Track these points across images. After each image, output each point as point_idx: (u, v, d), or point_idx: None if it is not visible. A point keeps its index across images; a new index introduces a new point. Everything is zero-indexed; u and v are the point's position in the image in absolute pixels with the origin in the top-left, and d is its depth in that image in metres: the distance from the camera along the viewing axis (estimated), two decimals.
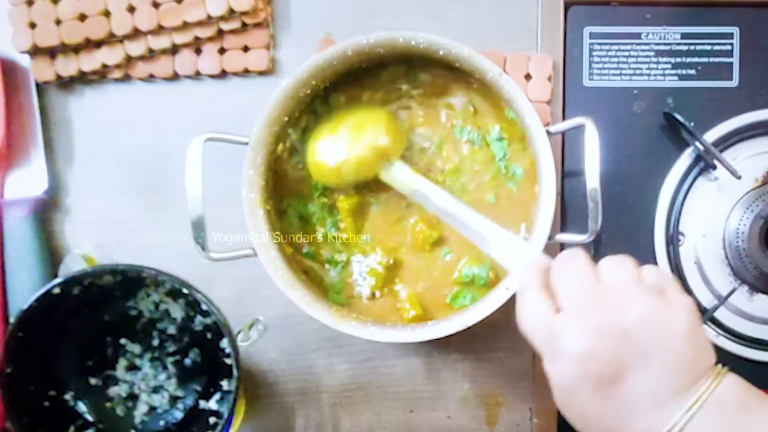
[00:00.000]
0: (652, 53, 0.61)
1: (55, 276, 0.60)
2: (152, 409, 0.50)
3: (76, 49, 0.60)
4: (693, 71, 0.61)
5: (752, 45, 0.61)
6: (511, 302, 0.51)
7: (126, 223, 0.62)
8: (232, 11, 0.58)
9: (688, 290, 0.60)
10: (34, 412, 0.46)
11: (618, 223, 0.60)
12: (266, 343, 0.60)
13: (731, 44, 0.61)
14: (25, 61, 0.61)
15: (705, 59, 0.61)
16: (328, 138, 0.54)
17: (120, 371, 0.50)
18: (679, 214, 0.61)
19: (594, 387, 0.38)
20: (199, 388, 0.52)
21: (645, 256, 0.60)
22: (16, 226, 0.59)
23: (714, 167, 0.60)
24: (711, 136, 0.60)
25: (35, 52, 0.60)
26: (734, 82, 0.61)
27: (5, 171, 0.61)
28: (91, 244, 0.61)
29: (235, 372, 0.46)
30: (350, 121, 0.54)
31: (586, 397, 0.39)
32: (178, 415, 0.51)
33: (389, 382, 0.62)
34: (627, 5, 0.61)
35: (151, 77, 0.61)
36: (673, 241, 0.60)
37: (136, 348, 0.51)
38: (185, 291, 0.48)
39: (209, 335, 0.51)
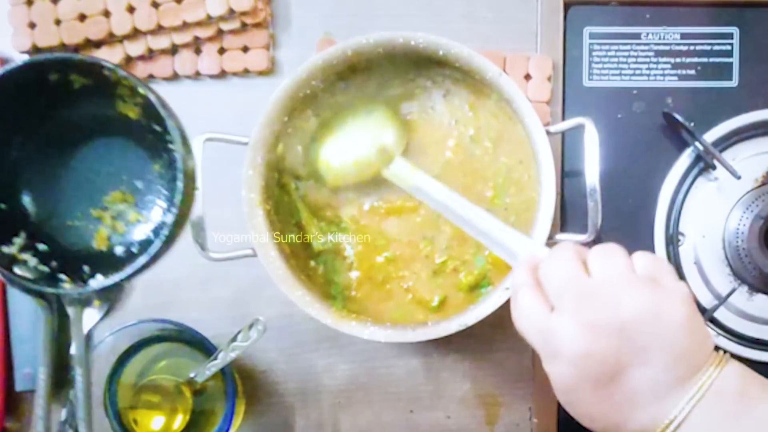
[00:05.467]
0: (651, 53, 0.61)
1: None
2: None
3: (76, 49, 0.60)
4: (693, 71, 0.61)
5: (752, 45, 0.61)
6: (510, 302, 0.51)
7: None
8: (231, 11, 0.58)
9: None
10: None
11: (618, 223, 0.60)
12: (266, 343, 0.60)
13: (731, 44, 0.61)
14: None
15: (705, 59, 0.61)
16: (330, 137, 0.55)
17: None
18: (679, 214, 0.61)
19: (594, 385, 0.38)
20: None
21: None
22: None
23: (714, 167, 0.60)
24: (711, 136, 0.60)
25: (35, 52, 0.60)
26: (734, 82, 0.61)
27: None
28: None
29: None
30: (350, 119, 0.55)
31: (587, 395, 0.39)
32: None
33: (389, 382, 0.62)
34: (627, 5, 0.61)
35: (150, 77, 0.61)
36: (672, 241, 0.60)
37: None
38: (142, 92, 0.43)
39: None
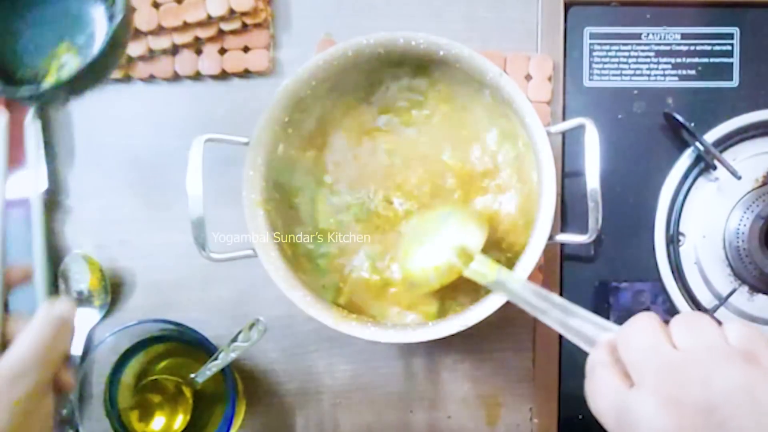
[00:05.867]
0: (652, 53, 0.61)
1: (56, 276, 0.60)
2: None
3: None
4: (693, 71, 0.61)
5: (752, 45, 0.61)
6: (511, 303, 0.51)
7: (126, 223, 0.62)
8: (232, 11, 0.58)
9: (687, 290, 0.60)
10: None
11: (618, 223, 0.60)
12: (266, 343, 0.61)
13: (731, 44, 0.61)
14: None
15: (705, 59, 0.61)
16: (411, 248, 0.56)
17: None
18: (680, 214, 0.61)
19: None
20: None
21: (645, 256, 0.61)
22: (16, 226, 0.59)
23: (714, 167, 0.60)
24: (711, 136, 0.60)
25: None
26: (734, 83, 0.61)
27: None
28: (91, 244, 0.62)
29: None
30: (429, 225, 0.56)
31: None
32: None
33: (389, 382, 0.62)
34: (627, 5, 0.61)
35: (151, 77, 0.61)
36: (673, 241, 0.60)
37: None
38: None
39: None
